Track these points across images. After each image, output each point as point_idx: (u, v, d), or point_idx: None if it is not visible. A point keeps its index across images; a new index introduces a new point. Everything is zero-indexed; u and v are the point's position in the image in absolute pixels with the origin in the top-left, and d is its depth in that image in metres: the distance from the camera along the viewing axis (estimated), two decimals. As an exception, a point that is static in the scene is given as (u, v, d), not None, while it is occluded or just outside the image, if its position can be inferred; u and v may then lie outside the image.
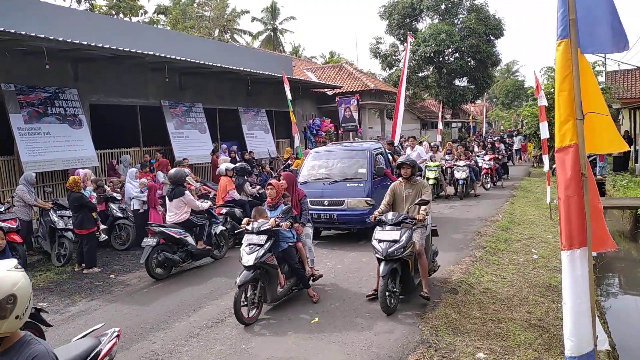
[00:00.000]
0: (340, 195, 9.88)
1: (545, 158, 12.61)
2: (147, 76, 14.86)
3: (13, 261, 2.06)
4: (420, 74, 37.93)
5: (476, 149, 20.12)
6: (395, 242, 5.94)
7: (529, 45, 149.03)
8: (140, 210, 10.62)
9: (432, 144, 17.30)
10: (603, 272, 10.09)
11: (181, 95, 16.27)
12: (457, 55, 36.10)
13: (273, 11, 50.87)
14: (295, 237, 6.81)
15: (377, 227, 6.20)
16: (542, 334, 5.50)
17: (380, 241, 6.03)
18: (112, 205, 10.62)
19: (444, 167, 16.12)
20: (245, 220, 6.54)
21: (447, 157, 16.88)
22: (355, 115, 19.81)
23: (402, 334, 5.51)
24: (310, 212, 9.26)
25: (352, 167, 10.43)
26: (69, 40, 10.77)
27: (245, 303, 6.00)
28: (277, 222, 6.29)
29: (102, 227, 8.40)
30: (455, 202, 14.79)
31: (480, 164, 17.29)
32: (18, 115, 11.23)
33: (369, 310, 6.28)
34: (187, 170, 11.04)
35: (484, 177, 17.57)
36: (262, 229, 6.25)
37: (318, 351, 5.18)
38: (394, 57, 38.64)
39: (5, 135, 11.37)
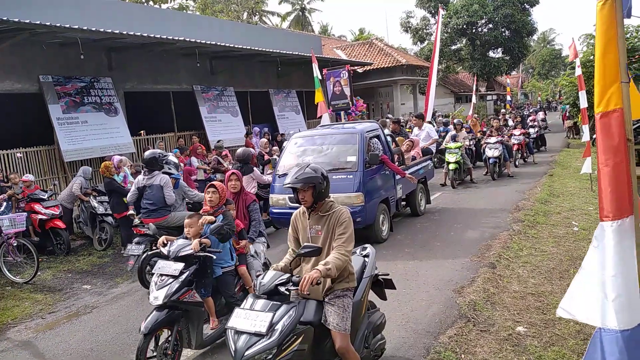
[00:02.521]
0: None
1: (585, 128, 12.18)
2: (179, 62, 15.01)
3: None
4: (453, 47, 37.06)
5: (510, 122, 19.10)
6: (259, 336, 3.17)
7: (566, 11, 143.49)
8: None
9: (455, 120, 15.67)
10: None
11: (213, 80, 16.39)
12: (490, 26, 35.06)
13: (301, -9, 50.43)
14: (235, 259, 5.13)
15: (248, 297, 3.51)
16: (585, 307, 5.37)
17: (236, 332, 3.26)
18: (150, 190, 10.88)
19: (468, 147, 14.77)
20: (161, 239, 4.88)
21: (468, 134, 15.26)
22: (347, 91, 16.11)
23: (440, 310, 5.48)
24: (289, 213, 8.72)
25: (341, 155, 8.66)
26: (102, 30, 10.97)
27: (155, 355, 4.35)
28: (202, 245, 4.59)
29: (130, 212, 8.63)
30: (489, 180, 14.36)
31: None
32: (56, 106, 11.55)
33: (405, 286, 6.25)
34: (252, 150, 11.22)
35: (515, 153, 16.08)
36: (181, 254, 4.54)
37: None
38: (425, 30, 37.84)
39: (46, 126, 11.73)
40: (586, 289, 2.92)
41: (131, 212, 9.14)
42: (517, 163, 16.25)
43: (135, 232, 7.23)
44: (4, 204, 8.73)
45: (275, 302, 3.32)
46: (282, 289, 3.34)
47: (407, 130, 13.70)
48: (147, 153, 7.40)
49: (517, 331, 4.88)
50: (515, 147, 15.99)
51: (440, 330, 4.98)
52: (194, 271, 4.55)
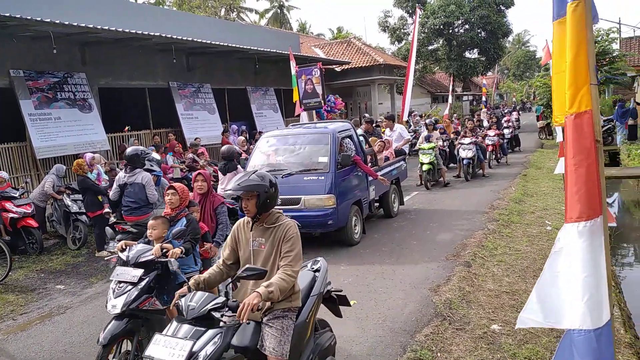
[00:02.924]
0: (295, 192, 7.89)
1: (558, 129, 12.41)
2: (155, 58, 14.81)
3: None
4: (430, 47, 37.39)
5: (485, 123, 19.16)
6: None
7: (540, 13, 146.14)
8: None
9: (427, 121, 15.61)
10: (618, 242, 10.01)
11: (189, 76, 16.22)
12: (467, 26, 35.48)
13: (279, -12, 50.22)
14: (200, 264, 4.94)
15: (173, 321, 3.16)
16: (557, 305, 5.49)
17: None
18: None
19: (442, 148, 14.57)
20: (120, 243, 4.54)
21: (442, 135, 15.05)
22: (319, 89, 15.14)
23: (416, 308, 5.53)
24: None
25: (312, 155, 8.45)
26: (76, 24, 10.73)
27: None
28: (163, 251, 4.31)
29: (106, 210, 8.53)
30: (463, 180, 14.41)
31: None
32: (28, 101, 11.28)
33: (382, 285, 6.30)
34: (237, 148, 11.17)
35: (490, 154, 16.15)
36: (141, 260, 4.26)
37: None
38: (402, 30, 38.10)
39: (17, 122, 11.44)
40: (553, 293, 2.90)
41: (107, 210, 9.04)
42: (491, 164, 16.34)
43: (118, 229, 7.17)
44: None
45: (199, 328, 2.95)
46: (217, 314, 2.97)
47: (382, 131, 13.70)
48: (129, 150, 7.32)
49: (492, 329, 4.96)
50: (489, 148, 16.07)
51: (416, 328, 5.03)
52: (154, 277, 4.27)
